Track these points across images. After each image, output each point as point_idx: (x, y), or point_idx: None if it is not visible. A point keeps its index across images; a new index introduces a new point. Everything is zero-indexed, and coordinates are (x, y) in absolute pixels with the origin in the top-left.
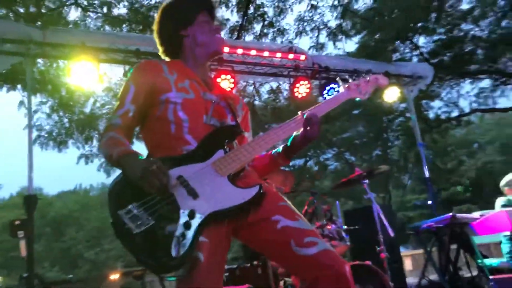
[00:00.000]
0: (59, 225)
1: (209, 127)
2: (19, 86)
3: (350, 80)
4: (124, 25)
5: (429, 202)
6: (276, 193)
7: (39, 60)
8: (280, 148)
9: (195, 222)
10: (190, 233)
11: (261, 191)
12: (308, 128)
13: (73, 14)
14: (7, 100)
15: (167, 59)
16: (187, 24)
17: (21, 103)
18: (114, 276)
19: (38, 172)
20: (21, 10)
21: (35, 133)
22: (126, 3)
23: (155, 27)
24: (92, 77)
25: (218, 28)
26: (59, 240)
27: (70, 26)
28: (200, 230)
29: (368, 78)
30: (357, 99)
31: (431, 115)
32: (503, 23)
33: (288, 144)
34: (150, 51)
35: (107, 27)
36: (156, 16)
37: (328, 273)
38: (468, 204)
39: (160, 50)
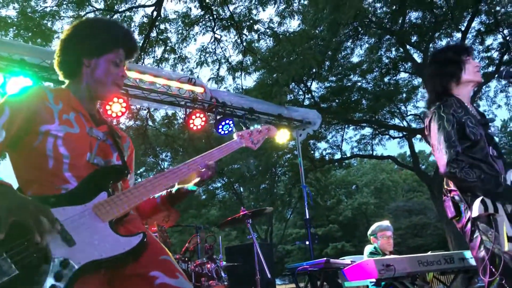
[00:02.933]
0: None
1: (92, 166)
2: None
3: (244, 128)
4: (10, 29)
5: (307, 242)
6: (158, 244)
7: None
8: (164, 192)
9: (67, 273)
10: (61, 286)
11: (144, 241)
12: (206, 173)
13: None
14: None
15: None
16: (93, 55)
17: None
18: None
19: None
20: None
21: None
22: (16, 6)
23: (59, 43)
24: None
25: (122, 76)
26: None
27: None
28: (72, 282)
29: (260, 129)
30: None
31: (316, 154)
32: (386, 79)
33: (173, 191)
34: (37, 63)
35: None
36: (66, 30)
37: None
38: (342, 242)
39: (57, 68)
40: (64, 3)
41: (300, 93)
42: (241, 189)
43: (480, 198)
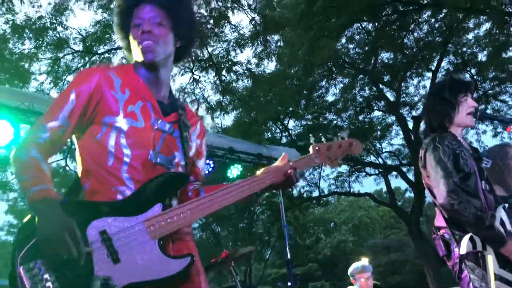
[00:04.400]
0: None
1: (153, 167)
2: None
3: (323, 140)
4: None
5: (289, 283)
6: (197, 268)
7: None
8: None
9: None
10: None
11: (191, 265)
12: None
13: None
14: None
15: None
16: (129, 16)
17: None
18: None
19: None
20: None
21: None
22: None
23: None
24: None
25: (142, 33)
26: None
27: None
28: None
29: (341, 143)
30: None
31: (294, 192)
32: (360, 117)
33: None
34: (14, 106)
35: None
36: None
37: None
38: (322, 281)
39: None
40: (42, 45)
41: (277, 131)
42: (219, 229)
43: (469, 235)
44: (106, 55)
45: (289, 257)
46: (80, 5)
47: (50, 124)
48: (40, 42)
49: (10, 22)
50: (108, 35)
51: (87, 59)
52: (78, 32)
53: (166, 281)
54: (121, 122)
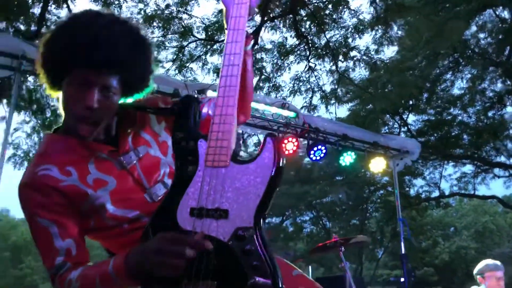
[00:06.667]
0: (19, 251)
1: (157, 203)
2: (4, 101)
3: None
4: None
5: (402, 279)
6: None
7: (30, 79)
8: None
9: (251, 243)
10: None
11: (275, 144)
12: None
13: None
14: None
15: None
16: (62, 76)
17: (3, 118)
18: None
19: (7, 192)
20: (22, 28)
21: (10, 151)
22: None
23: None
24: None
25: (86, 97)
26: (17, 267)
27: None
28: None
29: None
30: None
31: (411, 192)
32: (490, 113)
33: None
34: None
35: None
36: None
37: None
38: (438, 287)
39: None
40: (169, 34)
41: (395, 125)
42: (329, 224)
43: None
44: None
45: (403, 251)
46: None
47: (58, 259)
48: (167, 31)
49: (142, 12)
50: None
51: (209, 47)
52: (201, 21)
53: (279, 173)
54: (97, 197)
